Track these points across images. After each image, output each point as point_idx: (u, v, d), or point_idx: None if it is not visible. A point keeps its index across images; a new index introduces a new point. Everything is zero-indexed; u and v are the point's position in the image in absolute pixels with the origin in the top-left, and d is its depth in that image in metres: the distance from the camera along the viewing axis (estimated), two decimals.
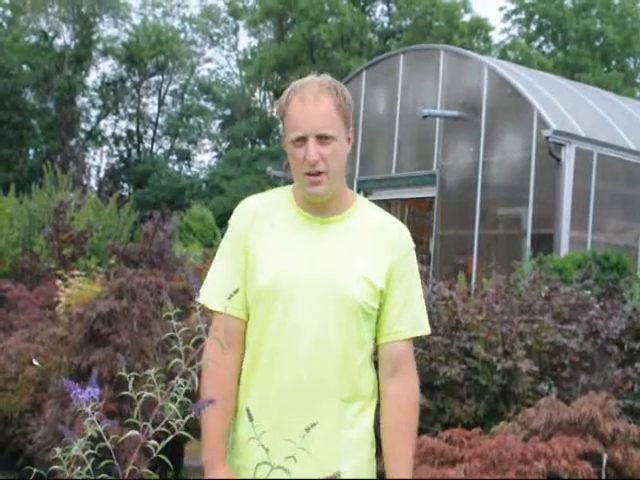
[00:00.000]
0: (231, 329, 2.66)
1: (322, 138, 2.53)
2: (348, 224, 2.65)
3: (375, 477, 2.69)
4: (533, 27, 45.56)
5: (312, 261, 2.59)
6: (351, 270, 2.58)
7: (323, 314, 2.56)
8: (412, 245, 2.72)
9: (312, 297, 2.56)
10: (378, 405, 2.71)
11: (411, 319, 2.68)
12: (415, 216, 21.12)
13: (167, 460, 2.06)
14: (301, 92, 2.56)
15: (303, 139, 2.54)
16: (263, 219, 2.67)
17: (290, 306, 2.56)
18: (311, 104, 2.53)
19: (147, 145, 49.47)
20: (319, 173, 2.54)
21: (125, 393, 2.12)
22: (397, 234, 2.71)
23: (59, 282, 9.00)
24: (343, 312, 2.56)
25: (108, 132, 49.17)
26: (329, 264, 2.58)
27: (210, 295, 2.63)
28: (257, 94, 50.06)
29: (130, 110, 49.24)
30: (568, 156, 15.60)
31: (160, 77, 49.02)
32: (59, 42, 44.84)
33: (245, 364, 2.67)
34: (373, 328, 2.65)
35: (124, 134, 48.89)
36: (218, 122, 52.59)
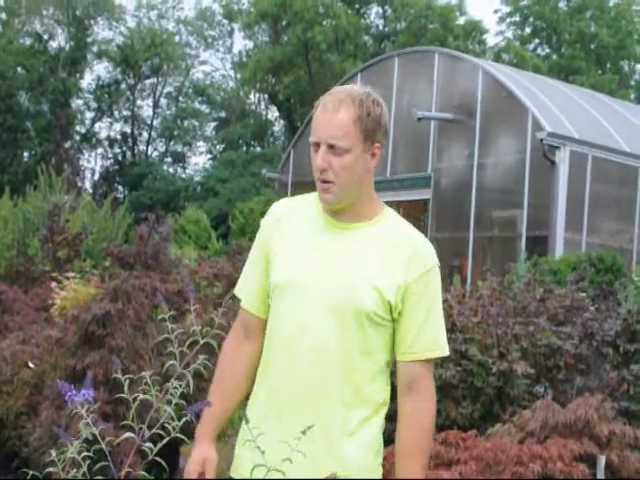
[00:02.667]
0: (247, 323, 2.78)
1: (333, 148, 2.55)
2: (367, 232, 2.65)
3: None
4: (528, 30, 45.60)
5: (322, 263, 2.61)
6: (360, 276, 2.57)
7: (326, 317, 2.56)
8: (435, 263, 2.67)
9: (317, 299, 2.58)
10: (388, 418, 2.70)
11: (429, 340, 2.65)
12: (410, 218, 21.04)
13: (163, 462, 2.06)
14: (327, 98, 2.60)
15: (317, 144, 2.58)
16: (288, 220, 2.72)
17: (296, 305, 2.60)
18: (329, 113, 2.56)
19: (142, 147, 49.52)
20: (327, 181, 2.57)
21: (120, 395, 2.11)
22: (418, 250, 2.65)
23: (54, 284, 9.00)
24: (347, 317, 2.55)
25: (103, 134, 49.26)
26: (338, 268, 2.59)
27: (238, 289, 2.83)
28: (252, 96, 50.07)
29: (125, 112, 49.27)
30: (563, 158, 15.63)
31: (155, 79, 49.03)
32: (54, 44, 44.89)
33: (261, 359, 2.73)
34: (386, 338, 2.62)
35: (119, 136, 48.91)
36: (213, 124, 52.64)
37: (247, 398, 2.76)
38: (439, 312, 2.69)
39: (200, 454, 2.67)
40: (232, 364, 2.76)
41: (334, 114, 2.54)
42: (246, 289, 2.78)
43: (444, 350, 2.70)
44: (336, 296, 2.56)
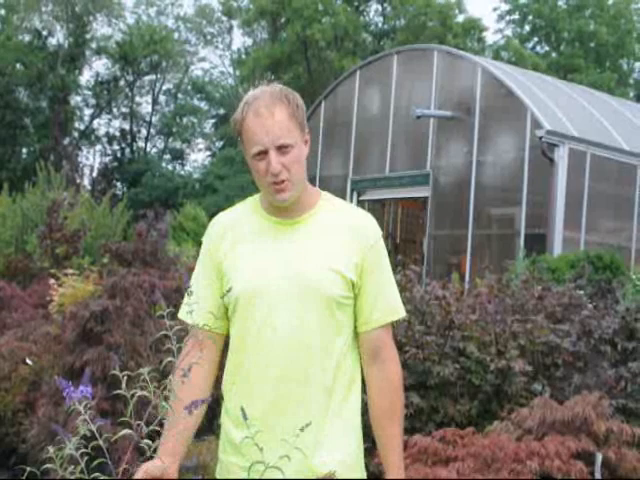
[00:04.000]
0: (204, 341, 2.69)
1: (282, 148, 2.61)
2: (314, 221, 2.73)
3: (362, 463, 2.76)
4: (527, 28, 45.59)
5: (281, 262, 2.66)
6: (320, 265, 2.65)
7: (298, 313, 2.63)
8: (379, 233, 2.79)
9: (285, 297, 2.64)
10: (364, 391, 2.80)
11: (386, 305, 2.76)
12: (408, 216, 21.15)
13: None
14: (254, 105, 2.63)
15: (264, 152, 2.62)
16: (230, 232, 2.78)
17: (265, 310, 2.65)
18: (266, 117, 2.61)
19: (141, 144, 49.43)
20: (283, 181, 2.63)
21: (118, 392, 2.11)
22: (364, 225, 2.77)
23: (52, 281, 8.99)
24: (317, 308, 2.63)
25: (101, 131, 49.14)
26: (298, 262, 2.65)
27: (185, 312, 2.67)
28: None
29: (123, 109, 49.17)
30: (561, 156, 15.63)
31: (154, 76, 48.93)
32: (53, 41, 44.74)
33: (228, 371, 2.76)
34: (350, 315, 2.72)
35: (117, 133, 48.81)
36: (212, 121, 52.55)
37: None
38: (390, 278, 2.82)
39: (145, 466, 2.49)
40: (189, 382, 2.51)
41: (271, 117, 2.61)
42: (199, 310, 2.58)
43: (401, 312, 2.83)
44: (302, 290, 2.63)
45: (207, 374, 2.76)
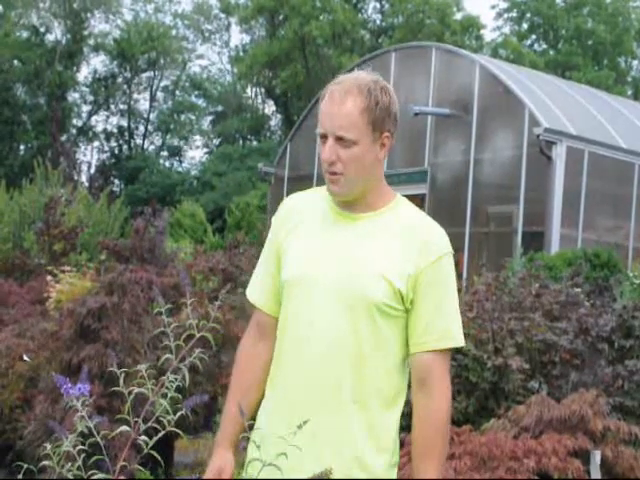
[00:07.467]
0: (262, 323, 2.71)
1: (341, 140, 2.49)
2: (375, 222, 2.59)
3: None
4: (525, 25, 45.60)
5: (331, 256, 2.54)
6: (369, 266, 2.51)
7: (336, 310, 2.50)
8: (448, 250, 2.59)
9: (326, 292, 2.51)
10: (404, 413, 2.62)
11: (441, 329, 2.56)
12: None
13: (157, 456, 2.05)
14: (334, 88, 2.53)
15: (324, 137, 2.52)
16: (296, 214, 2.67)
17: (305, 301, 2.54)
18: (336, 104, 2.49)
19: (138, 141, 49.40)
20: (335, 173, 2.52)
21: (116, 389, 2.11)
22: (429, 239, 2.57)
23: (49, 278, 8.98)
24: (357, 309, 2.48)
25: (99, 128, 49.12)
26: (347, 260, 2.52)
27: (249, 289, 2.76)
28: (248, 91, 50.04)
29: (121, 106, 49.13)
30: (559, 154, 15.62)
31: (151, 73, 48.90)
32: (50, 37, 44.74)
33: (273, 359, 2.65)
34: (399, 330, 2.55)
35: (115, 130, 48.79)
36: (209, 118, 52.52)
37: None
38: (452, 301, 2.61)
39: (215, 464, 2.59)
40: (247, 364, 2.69)
41: (341, 105, 2.48)
42: (259, 289, 2.70)
43: (458, 341, 2.62)
44: (345, 288, 2.49)
45: (265, 362, 2.67)
